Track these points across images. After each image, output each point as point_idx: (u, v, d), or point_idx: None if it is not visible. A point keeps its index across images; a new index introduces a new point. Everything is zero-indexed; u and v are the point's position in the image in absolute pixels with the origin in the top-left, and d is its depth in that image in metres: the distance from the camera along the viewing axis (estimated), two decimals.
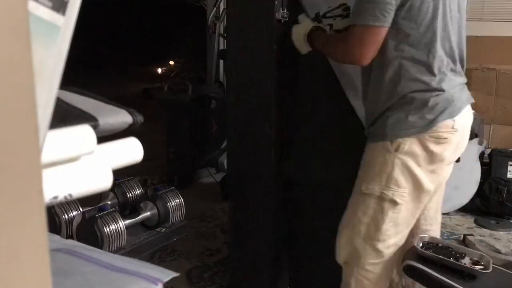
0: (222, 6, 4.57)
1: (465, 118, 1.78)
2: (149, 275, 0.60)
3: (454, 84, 1.76)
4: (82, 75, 6.26)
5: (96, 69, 9.32)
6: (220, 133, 4.30)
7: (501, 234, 3.45)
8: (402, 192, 1.74)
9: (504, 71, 3.89)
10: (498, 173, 3.70)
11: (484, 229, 3.52)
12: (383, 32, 1.67)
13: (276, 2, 2.11)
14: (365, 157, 1.82)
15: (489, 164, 3.77)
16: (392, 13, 1.65)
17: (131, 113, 0.53)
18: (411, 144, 1.70)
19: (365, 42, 1.67)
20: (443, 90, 1.71)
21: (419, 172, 1.72)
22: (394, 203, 1.74)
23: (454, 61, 1.77)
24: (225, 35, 4.42)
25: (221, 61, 4.75)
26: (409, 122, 1.70)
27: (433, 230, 2.00)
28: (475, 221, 3.62)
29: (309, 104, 2.25)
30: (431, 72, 1.70)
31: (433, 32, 1.69)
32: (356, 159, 2.13)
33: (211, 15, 4.67)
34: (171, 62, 9.83)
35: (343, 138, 2.20)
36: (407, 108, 1.71)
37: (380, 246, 1.80)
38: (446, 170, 1.83)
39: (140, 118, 0.54)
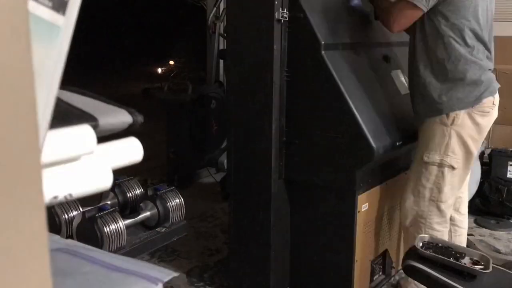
0: (222, 6, 4.56)
1: (498, 96, 2.19)
2: (149, 275, 0.60)
3: (491, 67, 2.19)
4: (82, 75, 6.26)
5: (96, 69, 9.31)
6: (220, 133, 4.29)
7: (501, 234, 3.45)
8: (457, 159, 2.14)
9: (504, 71, 3.88)
10: (498, 173, 3.70)
11: (484, 229, 3.52)
12: (418, 13, 2.08)
13: (276, 2, 2.11)
14: (422, 133, 2.21)
15: (489, 164, 3.77)
16: (432, 2, 2.04)
17: (131, 113, 0.53)
18: (463, 117, 2.10)
19: (403, 16, 2.11)
20: (488, 70, 2.13)
21: (469, 141, 2.13)
22: (452, 168, 2.15)
23: (489, 49, 2.17)
24: (225, 35, 4.42)
25: (221, 61, 4.75)
26: (460, 99, 2.08)
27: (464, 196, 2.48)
28: (475, 221, 3.62)
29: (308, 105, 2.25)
30: (478, 55, 2.09)
31: (478, 22, 2.09)
32: (357, 159, 2.13)
33: (211, 15, 4.66)
34: (171, 62, 9.83)
35: (343, 138, 2.20)
36: (459, 85, 2.08)
37: (443, 206, 2.20)
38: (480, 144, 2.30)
39: (140, 118, 0.54)
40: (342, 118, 2.12)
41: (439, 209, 2.20)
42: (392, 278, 2.67)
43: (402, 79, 2.52)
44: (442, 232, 2.22)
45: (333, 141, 2.14)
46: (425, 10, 2.06)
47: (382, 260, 2.56)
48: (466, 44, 2.08)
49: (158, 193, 3.24)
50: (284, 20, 2.14)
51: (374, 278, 2.50)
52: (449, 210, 2.24)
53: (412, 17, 2.10)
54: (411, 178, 2.27)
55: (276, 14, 2.11)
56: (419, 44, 2.15)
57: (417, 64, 2.16)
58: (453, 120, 2.09)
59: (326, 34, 2.15)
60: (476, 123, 2.11)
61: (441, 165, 2.15)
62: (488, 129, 2.22)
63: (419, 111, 2.21)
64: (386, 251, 2.55)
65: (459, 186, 2.25)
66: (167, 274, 0.60)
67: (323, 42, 2.11)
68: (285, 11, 2.13)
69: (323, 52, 2.11)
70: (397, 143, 2.24)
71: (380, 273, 2.56)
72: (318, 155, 2.21)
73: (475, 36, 2.09)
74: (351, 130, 2.10)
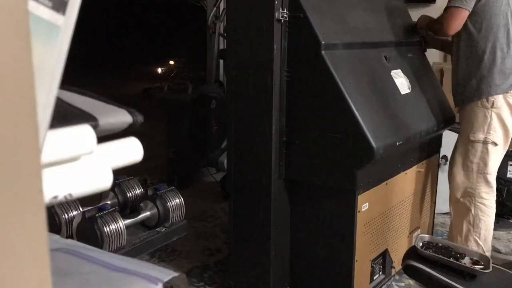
0: (222, 5, 4.56)
1: None
2: (149, 274, 0.60)
3: None
4: (82, 75, 6.26)
5: (96, 69, 9.31)
6: (220, 133, 4.29)
7: (501, 233, 3.45)
8: (498, 136, 2.54)
9: None
10: (498, 173, 3.69)
11: None
12: (465, 13, 2.46)
13: (276, 2, 2.11)
14: (465, 115, 2.61)
15: None
16: (472, 2, 2.44)
17: (131, 113, 0.53)
18: (500, 100, 2.52)
19: (452, 18, 2.48)
20: None
21: (508, 121, 2.55)
22: (495, 144, 2.54)
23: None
24: (225, 35, 4.42)
25: (221, 61, 4.75)
26: (497, 85, 2.50)
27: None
28: None
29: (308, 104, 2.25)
30: (509, 50, 2.51)
31: (507, 20, 2.51)
32: (357, 159, 2.13)
33: (211, 14, 4.66)
34: (171, 62, 9.82)
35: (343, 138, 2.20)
36: (496, 74, 2.50)
37: (489, 178, 2.60)
38: None
39: (140, 118, 0.54)
40: (342, 118, 2.11)
41: (486, 180, 2.60)
42: (392, 278, 2.68)
43: (402, 79, 2.52)
44: (490, 201, 2.62)
45: (333, 141, 2.14)
46: (470, 10, 2.46)
47: (382, 260, 2.55)
48: (500, 40, 2.50)
49: (158, 193, 3.23)
50: (284, 20, 2.14)
51: (374, 278, 2.50)
52: (494, 181, 2.63)
53: (462, 18, 2.48)
54: (457, 157, 2.66)
55: (276, 14, 2.11)
56: (463, 41, 2.56)
57: (461, 59, 2.57)
58: (493, 103, 2.51)
59: (326, 33, 2.15)
60: (510, 105, 2.54)
61: (485, 142, 2.54)
62: None
63: (463, 98, 2.60)
64: (386, 250, 2.55)
65: (500, 161, 2.66)
66: (167, 274, 0.60)
67: (323, 42, 2.11)
68: (285, 11, 2.13)
69: (323, 52, 2.11)
70: (398, 143, 2.24)
71: (380, 273, 2.56)
72: (318, 155, 2.21)
73: (507, 33, 2.52)
74: (351, 130, 2.10)
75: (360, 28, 2.46)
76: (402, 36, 2.72)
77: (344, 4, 2.44)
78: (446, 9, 2.53)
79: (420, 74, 2.73)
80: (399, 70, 2.53)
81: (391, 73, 2.48)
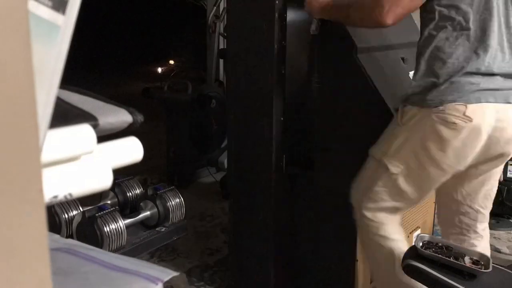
0: (222, 5, 4.56)
1: None
2: (149, 274, 0.60)
3: None
4: (82, 74, 6.26)
5: (96, 69, 9.32)
6: (220, 132, 4.29)
7: (501, 233, 3.45)
8: None
9: None
10: None
11: None
12: (418, 2, 1.69)
13: (277, 2, 2.11)
14: None
15: None
16: None
17: (131, 113, 0.53)
18: None
19: (399, 3, 1.66)
20: None
21: None
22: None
23: None
24: (225, 34, 4.42)
25: (221, 61, 4.75)
26: None
27: None
28: None
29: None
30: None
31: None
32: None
33: (211, 14, 4.66)
34: (171, 62, 9.83)
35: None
36: None
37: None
38: None
39: (140, 118, 0.54)
40: (380, 122, 2.00)
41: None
42: None
43: None
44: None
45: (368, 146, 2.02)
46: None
47: None
48: None
49: (158, 192, 3.24)
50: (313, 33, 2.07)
51: None
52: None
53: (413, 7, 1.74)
54: None
55: (312, 27, 2.05)
56: None
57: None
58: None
59: (359, 37, 2.09)
60: None
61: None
62: None
63: None
64: None
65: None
66: (167, 273, 0.60)
67: (358, 46, 2.04)
68: (317, 20, 2.05)
69: (357, 56, 2.04)
70: None
71: None
72: (354, 161, 2.09)
73: None
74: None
75: (376, 30, 2.40)
76: (412, 35, 2.66)
77: None
78: None
79: None
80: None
81: (409, 75, 2.42)
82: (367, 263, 2.27)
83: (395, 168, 1.81)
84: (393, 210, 1.90)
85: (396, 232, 1.94)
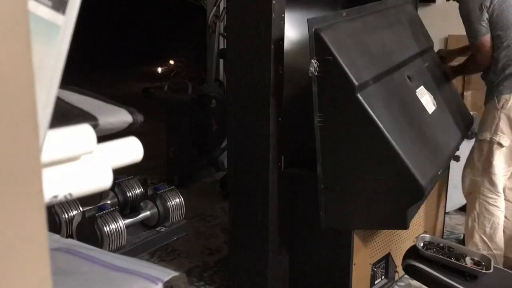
0: (222, 5, 4.56)
1: None
2: (149, 274, 0.60)
3: None
4: (82, 74, 6.26)
5: (96, 68, 9.32)
6: (220, 132, 4.29)
7: None
8: (505, 138, 2.57)
9: None
10: None
11: None
12: (488, 38, 2.55)
13: (274, 2, 2.11)
14: (483, 114, 2.71)
15: None
16: (486, 24, 2.52)
17: (131, 113, 0.53)
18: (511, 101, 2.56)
19: (481, 51, 2.57)
20: None
21: None
22: (501, 145, 2.56)
23: None
24: (225, 34, 4.42)
25: (221, 61, 4.75)
26: (506, 86, 2.55)
27: None
28: None
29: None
30: None
31: None
32: (406, 199, 2.04)
33: (211, 14, 4.66)
34: (171, 62, 9.83)
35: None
36: (509, 74, 2.55)
37: (494, 178, 2.62)
38: None
39: (140, 118, 0.54)
40: (386, 159, 1.96)
41: (490, 179, 2.62)
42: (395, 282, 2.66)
43: (426, 96, 2.40)
44: (494, 200, 2.64)
45: (378, 183, 2.01)
46: (489, 31, 2.53)
47: (384, 264, 2.53)
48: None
49: (158, 192, 3.24)
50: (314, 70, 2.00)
51: (376, 282, 2.48)
52: (499, 181, 2.63)
53: (488, 43, 2.55)
54: (469, 154, 2.75)
55: (310, 68, 1.97)
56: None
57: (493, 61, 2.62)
58: (503, 105, 2.55)
59: (358, 73, 2.00)
60: None
61: (491, 142, 2.58)
62: None
63: (485, 97, 2.69)
64: (389, 254, 2.54)
65: (508, 161, 2.62)
66: (167, 273, 0.60)
67: (357, 84, 1.94)
68: (315, 61, 1.98)
69: (358, 94, 1.95)
70: (439, 172, 2.13)
71: (383, 277, 2.54)
72: (360, 199, 2.08)
73: None
74: (396, 171, 1.95)
75: (382, 53, 2.31)
76: (417, 46, 2.62)
77: (363, 29, 2.28)
78: (472, 46, 2.62)
79: (438, 82, 2.66)
80: (422, 87, 2.40)
81: (416, 93, 2.35)
82: (365, 266, 2.27)
83: (504, 141, 2.55)
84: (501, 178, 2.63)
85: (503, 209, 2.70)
